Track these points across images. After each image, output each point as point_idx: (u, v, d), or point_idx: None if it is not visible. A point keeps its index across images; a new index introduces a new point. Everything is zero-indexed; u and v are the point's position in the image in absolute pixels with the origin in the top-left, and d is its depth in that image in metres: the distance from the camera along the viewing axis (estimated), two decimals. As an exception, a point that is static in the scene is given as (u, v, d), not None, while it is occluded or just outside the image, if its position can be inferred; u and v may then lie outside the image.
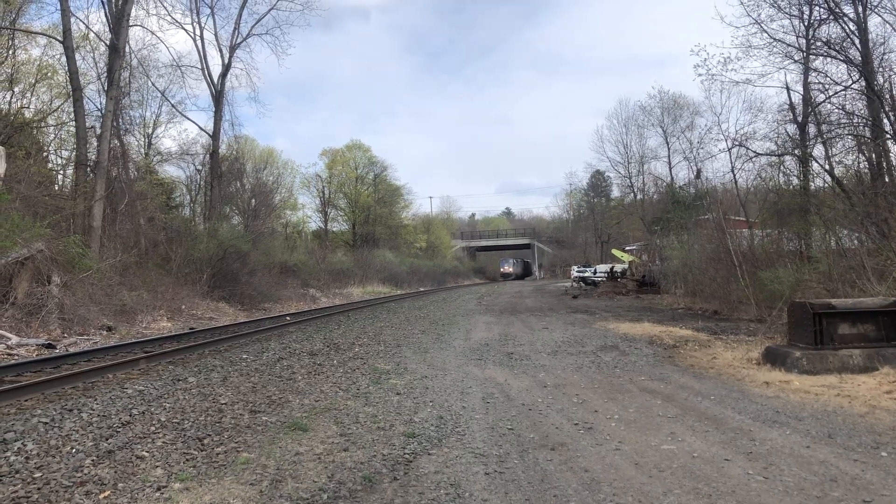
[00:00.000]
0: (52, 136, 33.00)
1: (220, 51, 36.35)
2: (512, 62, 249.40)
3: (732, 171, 25.63)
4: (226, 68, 35.93)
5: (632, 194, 58.16)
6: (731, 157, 25.30)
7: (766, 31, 21.63)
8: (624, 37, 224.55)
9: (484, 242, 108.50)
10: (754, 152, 23.95)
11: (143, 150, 37.21)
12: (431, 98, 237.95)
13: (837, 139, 20.81)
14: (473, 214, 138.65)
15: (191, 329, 17.89)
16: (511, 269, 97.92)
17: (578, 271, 53.19)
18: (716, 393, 8.56)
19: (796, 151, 22.56)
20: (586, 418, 7.24)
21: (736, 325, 17.38)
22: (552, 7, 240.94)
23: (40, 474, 5.34)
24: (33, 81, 31.64)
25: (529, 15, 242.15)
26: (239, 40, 36.19)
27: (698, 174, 40.09)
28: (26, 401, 8.34)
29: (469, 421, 7.20)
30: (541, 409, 7.77)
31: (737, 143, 24.48)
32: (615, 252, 50.93)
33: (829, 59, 21.11)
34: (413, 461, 5.77)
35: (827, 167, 20.77)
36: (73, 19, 25.97)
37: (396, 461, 5.75)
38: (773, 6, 21.45)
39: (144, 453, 5.95)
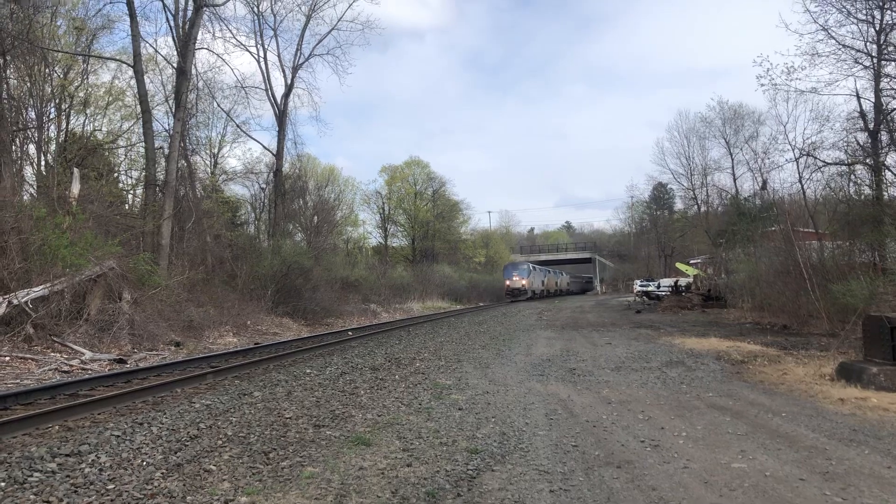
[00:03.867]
0: (123, 157, 34.23)
1: (283, 71, 37.24)
2: (565, 77, 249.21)
3: (800, 181, 24.94)
4: (288, 88, 36.74)
5: (695, 206, 57.28)
6: (798, 167, 24.67)
7: (833, 38, 21.08)
8: (678, 49, 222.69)
9: (544, 257, 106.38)
10: (823, 162, 23.33)
11: (209, 169, 38.23)
12: (486, 114, 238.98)
13: (912, 146, 20.09)
14: (532, 229, 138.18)
15: (256, 344, 18.20)
16: (526, 283, 62.91)
17: (641, 285, 52.36)
18: (787, 410, 8.29)
19: (868, 160, 21.85)
20: (652, 435, 7.08)
21: (807, 340, 16.84)
22: (604, 22, 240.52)
23: (113, 486, 5.47)
24: (104, 104, 32.87)
25: (581, 30, 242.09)
26: (301, 61, 37.01)
27: (764, 185, 39.18)
28: (99, 414, 8.60)
29: (532, 437, 7.12)
30: (605, 425, 7.64)
31: (804, 152, 23.88)
32: (679, 265, 50.04)
33: (902, 65, 20.42)
34: (476, 477, 5.72)
35: (901, 176, 20.06)
36: (142, 44, 26.92)
37: (460, 477, 5.71)
38: (842, 12, 20.89)
39: (212, 467, 6.05)
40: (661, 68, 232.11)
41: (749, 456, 6.20)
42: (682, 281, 44.17)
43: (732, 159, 49.58)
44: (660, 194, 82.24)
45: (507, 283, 62.70)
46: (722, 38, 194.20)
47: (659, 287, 48.31)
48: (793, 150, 25.30)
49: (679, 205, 71.99)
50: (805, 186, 25.24)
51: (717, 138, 51.38)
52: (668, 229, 74.11)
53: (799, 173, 24.75)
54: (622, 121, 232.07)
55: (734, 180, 49.62)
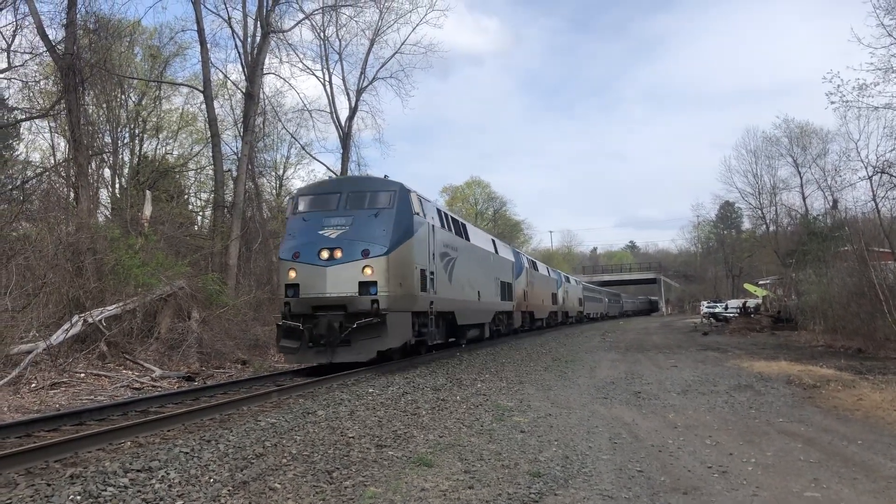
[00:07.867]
0: (193, 179, 35.39)
1: (348, 94, 37.83)
2: (624, 98, 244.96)
3: (874, 199, 24.04)
4: (352, 111, 37.31)
5: (764, 226, 55.95)
6: (871, 185, 23.81)
7: (909, 50, 20.34)
8: (739, 69, 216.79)
9: (607, 277, 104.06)
10: (900, 179, 22.47)
11: (274, 190, 39.09)
12: (545, 136, 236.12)
13: None
14: (595, 249, 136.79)
15: (319, 363, 18.39)
16: (374, 275, 14.38)
17: (708, 307, 51.28)
18: (864, 437, 7.98)
19: (948, 177, 21.03)
20: (720, 461, 6.90)
21: (883, 364, 16.21)
22: (664, 42, 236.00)
23: (182, 502, 5.60)
24: (176, 129, 34.04)
25: (641, 51, 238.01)
26: (365, 84, 37.52)
27: (835, 204, 38.15)
28: (169, 431, 8.82)
29: (596, 461, 7.02)
30: (671, 450, 7.48)
31: (878, 169, 23.05)
32: (748, 286, 48.88)
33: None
34: (539, 501, 5.66)
35: (984, 193, 19.23)
36: (212, 70, 27.79)
37: (522, 501, 5.65)
38: (918, 23, 20.15)
39: (277, 485, 6.13)
40: (723, 88, 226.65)
41: (823, 485, 5.99)
42: (751, 302, 43.15)
43: (801, 178, 48.48)
44: (727, 213, 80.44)
45: (292, 273, 14.83)
46: (785, 57, 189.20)
47: (727, 308, 47.25)
48: (866, 167, 24.38)
49: (747, 224, 70.44)
50: (880, 205, 24.35)
51: (785, 156, 50.25)
52: (735, 249, 72.49)
53: (873, 191, 23.90)
54: (683, 141, 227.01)
55: (804, 199, 48.50)
